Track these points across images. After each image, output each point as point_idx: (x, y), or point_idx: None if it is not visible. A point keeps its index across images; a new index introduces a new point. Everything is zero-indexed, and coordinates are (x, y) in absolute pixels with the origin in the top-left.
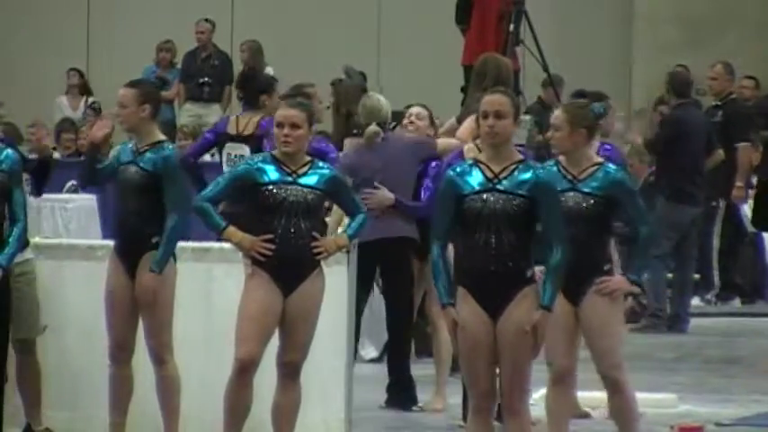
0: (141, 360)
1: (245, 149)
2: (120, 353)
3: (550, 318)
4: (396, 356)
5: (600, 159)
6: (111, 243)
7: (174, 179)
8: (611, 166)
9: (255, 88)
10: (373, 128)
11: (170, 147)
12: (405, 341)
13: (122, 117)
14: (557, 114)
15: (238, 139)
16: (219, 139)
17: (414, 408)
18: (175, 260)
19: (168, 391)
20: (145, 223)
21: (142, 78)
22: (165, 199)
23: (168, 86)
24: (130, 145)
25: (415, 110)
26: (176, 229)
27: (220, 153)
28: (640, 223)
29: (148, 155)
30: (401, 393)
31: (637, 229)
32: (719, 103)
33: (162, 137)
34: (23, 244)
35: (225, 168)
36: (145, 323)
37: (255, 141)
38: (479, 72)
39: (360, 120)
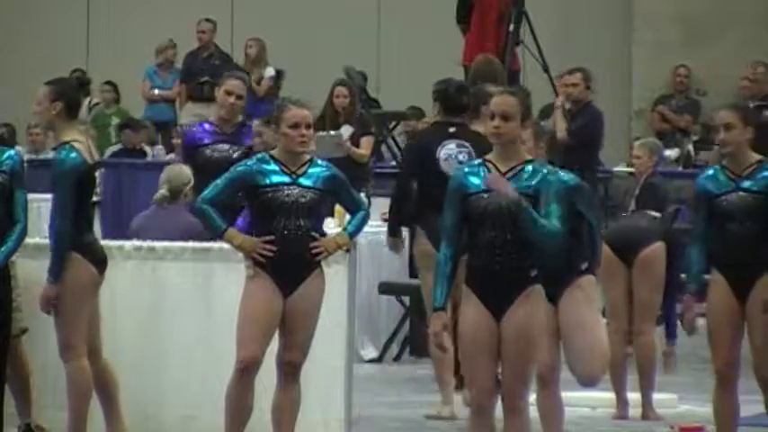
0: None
1: None
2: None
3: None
4: None
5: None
6: (110, 243)
7: (60, 182)
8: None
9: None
10: (163, 192)
11: (66, 150)
12: None
13: (36, 114)
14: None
15: None
16: None
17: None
18: (98, 259)
19: (68, 390)
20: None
21: (63, 77)
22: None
23: (88, 86)
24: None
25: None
26: (61, 233)
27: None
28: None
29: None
30: None
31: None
32: (764, 103)
33: (72, 137)
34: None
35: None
36: None
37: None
38: (483, 73)
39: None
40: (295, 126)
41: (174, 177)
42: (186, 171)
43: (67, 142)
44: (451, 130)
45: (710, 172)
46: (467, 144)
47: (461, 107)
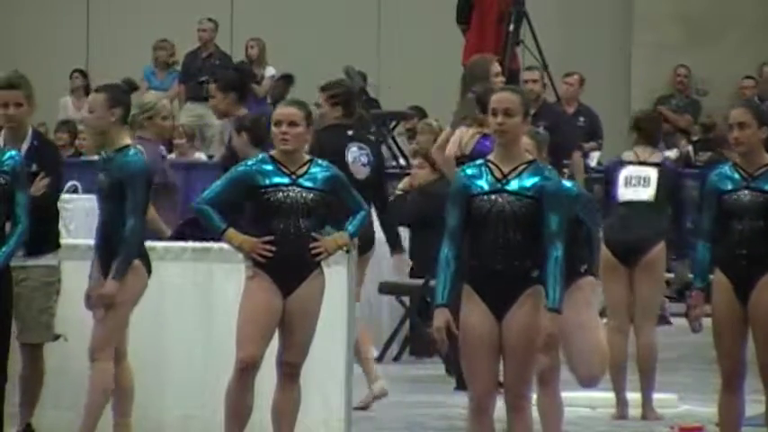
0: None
1: None
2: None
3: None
4: None
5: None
6: None
7: (134, 185)
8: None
9: None
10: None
11: (134, 152)
12: None
13: (92, 121)
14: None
15: None
16: None
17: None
18: (149, 266)
19: (89, 389)
20: (115, 228)
21: (113, 83)
22: (126, 204)
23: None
24: (103, 154)
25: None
26: (136, 234)
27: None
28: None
29: (115, 161)
30: None
31: None
32: None
33: (129, 141)
34: (49, 248)
35: None
36: None
37: None
38: (471, 78)
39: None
40: (277, 123)
41: (137, 104)
42: (149, 98)
43: (129, 146)
44: (350, 132)
45: (723, 169)
46: (365, 146)
47: (356, 109)
